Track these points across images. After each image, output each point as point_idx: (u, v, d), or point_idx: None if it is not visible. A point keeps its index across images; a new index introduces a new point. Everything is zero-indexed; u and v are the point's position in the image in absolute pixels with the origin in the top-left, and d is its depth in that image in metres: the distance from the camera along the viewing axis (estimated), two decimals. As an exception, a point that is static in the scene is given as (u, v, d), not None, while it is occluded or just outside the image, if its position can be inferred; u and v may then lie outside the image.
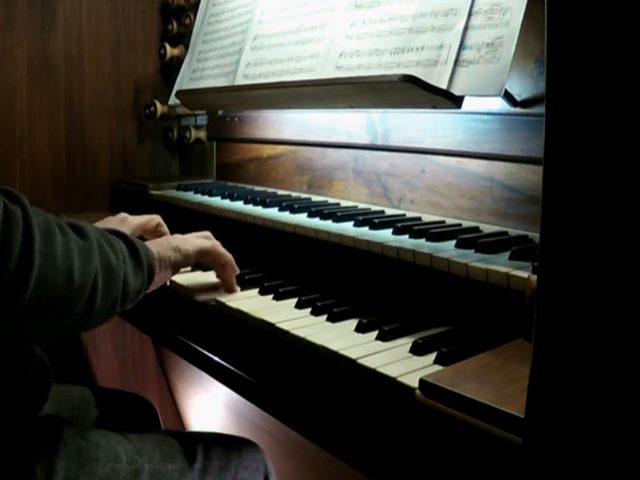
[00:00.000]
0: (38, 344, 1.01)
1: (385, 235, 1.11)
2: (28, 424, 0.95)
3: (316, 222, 1.23)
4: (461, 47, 1.05)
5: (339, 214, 1.24)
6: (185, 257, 1.05)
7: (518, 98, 1.10)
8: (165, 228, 1.31)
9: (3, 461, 0.89)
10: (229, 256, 1.12)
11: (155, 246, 1.00)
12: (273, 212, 1.35)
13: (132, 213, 1.32)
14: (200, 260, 1.11)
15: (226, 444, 1.13)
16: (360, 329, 0.93)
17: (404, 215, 1.28)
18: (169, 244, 1.04)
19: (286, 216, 1.30)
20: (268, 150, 1.72)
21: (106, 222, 1.22)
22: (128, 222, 1.24)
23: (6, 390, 0.91)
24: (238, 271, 1.15)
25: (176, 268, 1.05)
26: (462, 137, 1.21)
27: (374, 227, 1.16)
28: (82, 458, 0.95)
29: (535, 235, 1.05)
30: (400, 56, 1.14)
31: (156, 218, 1.30)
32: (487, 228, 1.15)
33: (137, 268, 0.90)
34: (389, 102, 1.14)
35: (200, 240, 1.10)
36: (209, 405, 1.98)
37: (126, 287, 0.87)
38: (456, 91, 1.03)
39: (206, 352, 1.03)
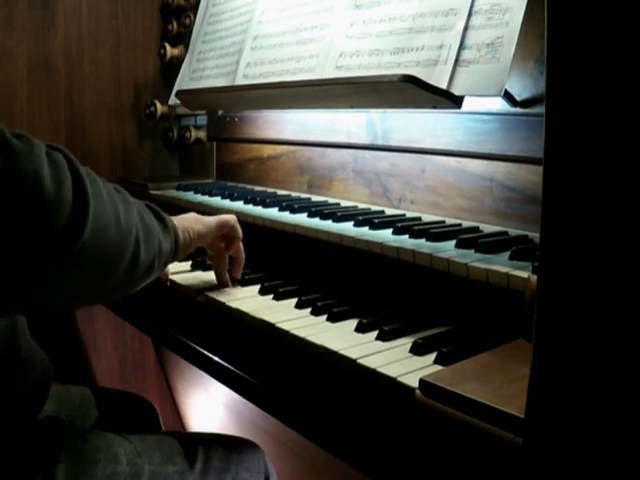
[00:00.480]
0: (90, 303, 1.00)
1: (385, 235, 1.11)
2: (28, 425, 0.95)
3: (316, 222, 1.23)
4: (461, 47, 1.05)
5: (339, 214, 1.24)
6: (207, 227, 1.08)
7: (518, 98, 1.10)
8: None
9: (3, 463, 0.89)
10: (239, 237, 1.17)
11: (175, 219, 1.01)
12: (273, 212, 1.36)
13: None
14: (221, 233, 1.14)
15: (226, 445, 1.13)
16: (360, 329, 0.93)
17: (404, 215, 1.28)
18: (190, 217, 1.07)
19: (286, 216, 1.30)
20: (268, 150, 1.72)
21: None
22: None
23: (7, 391, 0.91)
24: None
25: (199, 238, 1.06)
26: (462, 137, 1.21)
27: (374, 227, 1.16)
28: (82, 461, 0.95)
29: (535, 235, 1.05)
30: (400, 56, 1.14)
31: None
32: (487, 228, 1.15)
33: (165, 230, 0.91)
34: (389, 102, 1.14)
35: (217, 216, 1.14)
36: (209, 405, 1.98)
37: (160, 246, 0.87)
38: (456, 91, 1.03)
39: (206, 352, 1.03)
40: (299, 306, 1.04)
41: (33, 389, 0.96)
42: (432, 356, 0.83)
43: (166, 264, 0.94)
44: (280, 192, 1.61)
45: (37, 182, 0.64)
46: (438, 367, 0.80)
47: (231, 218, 1.15)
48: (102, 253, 0.72)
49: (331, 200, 1.48)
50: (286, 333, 0.94)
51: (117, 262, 0.76)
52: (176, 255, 0.98)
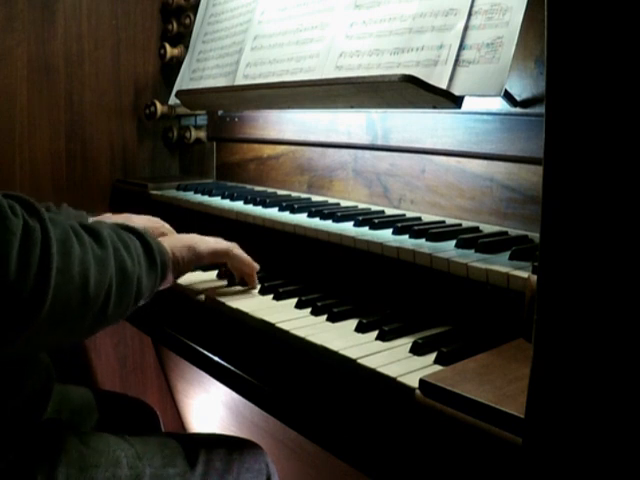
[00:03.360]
0: (48, 350, 1.02)
1: (385, 235, 1.11)
2: (30, 429, 0.95)
3: (316, 222, 1.23)
4: (461, 47, 1.05)
5: (339, 214, 1.24)
6: (198, 257, 1.06)
7: (518, 98, 1.10)
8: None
9: (4, 466, 0.89)
10: (248, 260, 1.14)
11: (169, 244, 1.01)
12: (273, 212, 1.35)
13: (132, 213, 1.32)
14: (214, 261, 1.13)
15: (227, 446, 1.12)
16: (360, 329, 0.93)
17: (404, 215, 1.28)
18: (182, 243, 1.05)
19: (286, 216, 1.30)
20: (268, 150, 1.72)
21: (108, 219, 1.22)
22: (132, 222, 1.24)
23: (11, 395, 0.91)
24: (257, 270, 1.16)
25: (189, 267, 1.06)
26: (462, 137, 1.21)
27: (374, 227, 1.16)
28: (83, 464, 0.95)
29: (535, 235, 1.05)
30: (400, 56, 1.14)
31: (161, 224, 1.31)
32: (487, 228, 1.15)
33: (150, 268, 0.92)
34: (389, 102, 1.14)
35: (214, 240, 1.12)
36: (209, 405, 1.98)
37: (139, 289, 0.88)
38: (456, 91, 1.03)
39: (206, 352, 1.03)
40: (299, 306, 1.04)
41: (36, 393, 0.96)
42: (432, 356, 0.83)
43: (150, 296, 0.94)
44: (280, 192, 1.61)
45: (1, 264, 0.67)
46: (438, 367, 0.80)
47: (229, 250, 1.12)
48: (62, 319, 0.75)
49: (331, 200, 1.48)
50: (286, 333, 0.94)
51: (78, 322, 0.78)
52: (163, 284, 0.99)
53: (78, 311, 0.76)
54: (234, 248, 1.13)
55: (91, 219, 1.31)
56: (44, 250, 0.71)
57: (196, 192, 1.67)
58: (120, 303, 0.84)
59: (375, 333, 0.91)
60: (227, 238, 1.18)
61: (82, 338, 0.89)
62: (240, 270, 1.15)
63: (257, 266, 1.15)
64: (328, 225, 1.20)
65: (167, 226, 1.34)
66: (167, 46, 1.91)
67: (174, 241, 1.05)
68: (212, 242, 1.11)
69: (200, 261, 1.08)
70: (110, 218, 1.36)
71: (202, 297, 1.14)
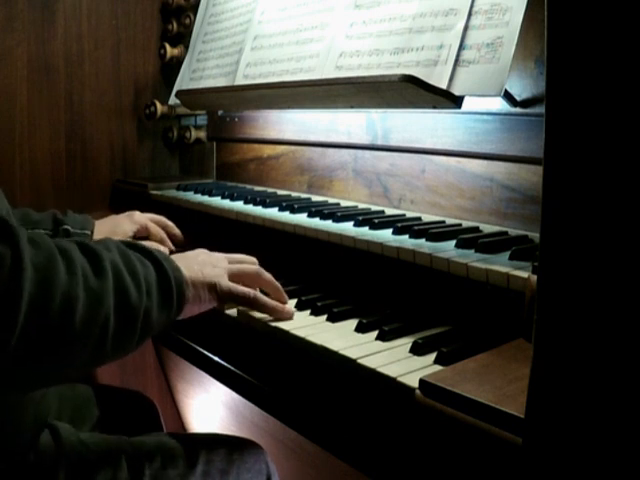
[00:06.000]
0: (49, 385, 0.93)
1: (385, 235, 1.11)
2: (32, 432, 0.95)
3: (316, 222, 1.23)
4: (461, 47, 1.05)
5: (339, 214, 1.24)
6: (222, 296, 0.93)
7: (518, 98, 1.10)
8: (176, 230, 1.31)
9: (4, 470, 0.88)
10: (279, 307, 1.00)
11: (191, 271, 0.88)
12: (273, 212, 1.35)
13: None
14: (241, 305, 1.00)
15: (227, 446, 1.12)
16: (360, 329, 0.93)
17: (404, 215, 1.28)
18: (208, 275, 0.91)
19: (286, 216, 1.30)
20: (268, 150, 1.72)
21: (112, 220, 1.22)
22: (136, 218, 1.24)
23: (18, 400, 0.91)
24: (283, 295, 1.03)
25: (214, 302, 0.93)
26: (462, 137, 1.21)
27: (374, 227, 1.16)
28: (83, 466, 0.95)
29: (535, 235, 1.05)
30: (400, 56, 1.14)
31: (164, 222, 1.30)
32: (487, 228, 1.15)
33: (164, 299, 0.80)
34: (389, 102, 1.14)
35: (241, 288, 0.97)
36: (209, 405, 1.98)
37: (147, 323, 0.77)
38: (456, 91, 1.03)
39: (206, 352, 1.03)
40: (299, 306, 1.04)
41: (41, 396, 0.96)
42: (432, 356, 0.83)
43: (164, 328, 0.83)
44: (280, 192, 1.61)
45: None
46: (438, 367, 0.80)
47: (253, 270, 0.99)
48: (40, 358, 0.67)
49: (331, 200, 1.48)
50: (286, 333, 0.94)
51: (67, 359, 0.70)
52: (180, 315, 0.87)
53: (62, 349, 0.68)
54: (259, 269, 1.01)
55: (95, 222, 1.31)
56: (13, 279, 0.62)
57: (196, 192, 1.67)
58: (121, 339, 0.74)
59: (375, 333, 0.91)
60: (227, 238, 1.18)
61: (79, 374, 0.80)
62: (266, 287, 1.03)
63: (293, 311, 1.01)
64: (328, 225, 1.20)
65: (170, 224, 1.34)
66: (167, 46, 1.92)
67: (197, 271, 0.90)
68: (232, 285, 0.95)
69: (224, 296, 0.94)
70: (114, 219, 1.37)
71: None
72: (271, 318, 0.98)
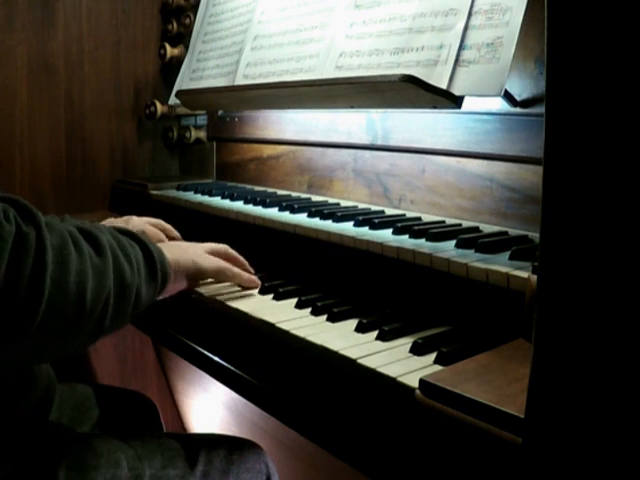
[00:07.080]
0: (46, 362, 1.00)
1: (385, 235, 1.11)
2: (33, 434, 0.95)
3: (316, 222, 1.23)
4: (461, 47, 1.05)
5: (339, 214, 1.24)
6: (201, 272, 1.05)
7: (518, 98, 1.10)
8: (175, 232, 1.32)
9: (4, 469, 0.89)
10: (246, 276, 1.13)
11: (172, 253, 0.98)
12: (273, 212, 1.35)
13: (132, 213, 1.33)
14: (216, 278, 1.12)
15: (227, 446, 1.12)
16: (360, 329, 0.93)
17: (404, 215, 1.28)
18: (187, 255, 1.03)
19: (286, 216, 1.30)
20: (268, 150, 1.72)
21: (111, 223, 1.22)
22: (133, 223, 1.24)
23: (16, 403, 0.91)
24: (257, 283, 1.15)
25: (191, 280, 1.05)
26: (462, 137, 1.21)
27: (374, 227, 1.16)
28: (83, 466, 0.94)
29: (535, 235, 1.05)
30: (400, 56, 1.14)
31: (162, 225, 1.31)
32: (487, 228, 1.15)
33: (150, 277, 0.89)
34: (389, 102, 1.14)
35: (216, 259, 1.09)
36: (209, 405, 1.98)
37: (138, 299, 0.85)
38: (456, 91, 1.03)
39: (206, 352, 1.03)
40: (299, 306, 1.04)
41: (39, 400, 0.96)
42: (432, 356, 0.83)
43: (147, 305, 0.91)
44: (280, 192, 1.61)
45: None
46: (438, 367, 0.80)
47: (222, 247, 1.13)
48: (56, 331, 0.73)
49: (331, 200, 1.48)
50: (286, 333, 0.94)
51: (74, 334, 0.76)
52: (162, 294, 0.97)
53: (74, 323, 0.74)
54: (232, 268, 1.12)
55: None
56: (38, 258, 0.69)
57: (196, 192, 1.67)
58: (118, 314, 0.81)
59: (375, 333, 0.91)
60: (227, 238, 1.18)
61: (79, 349, 0.86)
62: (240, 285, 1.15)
63: (259, 283, 1.14)
64: (328, 225, 1.20)
65: (168, 227, 1.34)
66: (167, 46, 1.92)
67: (178, 251, 1.02)
68: (213, 259, 1.08)
69: (202, 276, 1.07)
70: (112, 223, 1.36)
71: (202, 297, 1.14)
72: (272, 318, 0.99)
